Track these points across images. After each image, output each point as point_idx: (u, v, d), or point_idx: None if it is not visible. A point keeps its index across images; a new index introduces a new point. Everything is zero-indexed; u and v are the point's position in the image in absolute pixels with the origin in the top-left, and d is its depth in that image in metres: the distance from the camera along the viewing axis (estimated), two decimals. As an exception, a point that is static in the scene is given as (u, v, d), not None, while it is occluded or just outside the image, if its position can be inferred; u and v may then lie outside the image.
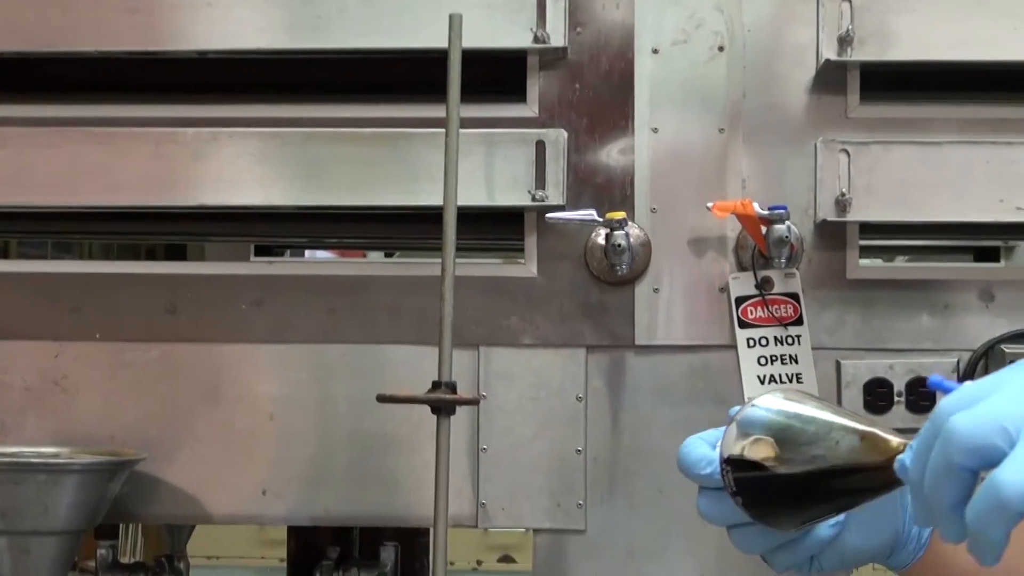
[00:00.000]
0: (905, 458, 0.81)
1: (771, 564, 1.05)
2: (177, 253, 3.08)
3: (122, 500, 1.97)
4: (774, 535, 1.01)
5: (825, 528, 1.01)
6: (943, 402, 0.76)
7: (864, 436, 0.91)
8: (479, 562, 3.43)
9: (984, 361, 1.93)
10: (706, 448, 1.05)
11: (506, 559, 3.47)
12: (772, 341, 1.94)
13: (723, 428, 1.02)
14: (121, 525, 2.43)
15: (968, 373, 1.93)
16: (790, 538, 1.01)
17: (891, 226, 2.00)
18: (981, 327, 1.96)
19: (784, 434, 0.96)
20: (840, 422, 0.94)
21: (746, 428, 0.97)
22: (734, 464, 0.98)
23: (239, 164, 1.97)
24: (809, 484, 0.95)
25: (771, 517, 0.98)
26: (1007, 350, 1.91)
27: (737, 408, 1.00)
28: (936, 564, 1.12)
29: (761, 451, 0.96)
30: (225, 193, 1.98)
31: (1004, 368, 0.78)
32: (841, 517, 1.02)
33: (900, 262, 3.14)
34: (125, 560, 2.32)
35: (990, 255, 3.30)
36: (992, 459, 0.71)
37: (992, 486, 0.69)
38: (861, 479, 0.93)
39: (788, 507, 0.97)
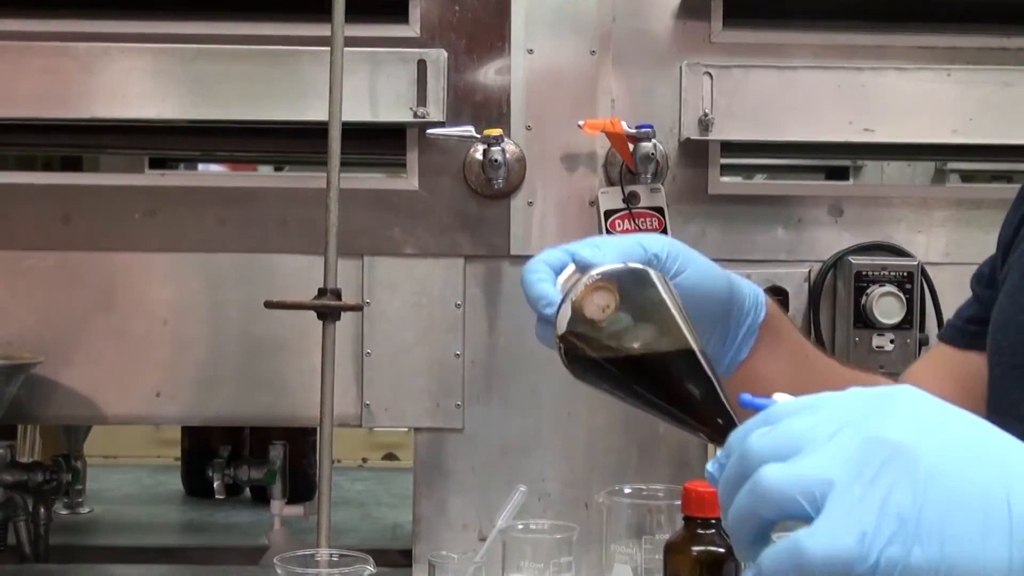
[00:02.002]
0: (713, 471, 0.80)
1: None
2: (73, 165, 3.02)
3: (19, 402, 1.94)
4: None
5: None
6: (756, 443, 0.75)
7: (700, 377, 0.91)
8: (364, 459, 3.43)
9: (832, 271, 1.97)
10: (548, 285, 1.01)
11: (389, 456, 3.48)
12: (638, 252, 1.95)
13: (567, 253, 1.01)
14: (19, 426, 2.40)
15: (817, 283, 1.97)
16: None
17: (750, 145, 2.02)
18: (831, 240, 2.00)
19: (627, 293, 0.94)
20: (685, 334, 0.92)
21: (595, 278, 0.94)
22: (565, 340, 0.94)
23: (131, 78, 1.93)
24: (631, 383, 0.94)
25: (597, 388, 0.97)
26: (853, 261, 1.94)
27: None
28: (747, 380, 1.16)
29: (600, 299, 0.94)
30: (118, 106, 1.94)
31: (821, 398, 0.77)
32: None
33: (758, 179, 3.18)
34: (23, 459, 2.29)
35: (840, 174, 3.36)
36: (796, 516, 0.73)
37: (795, 547, 0.70)
38: (676, 407, 0.93)
39: (611, 390, 0.96)
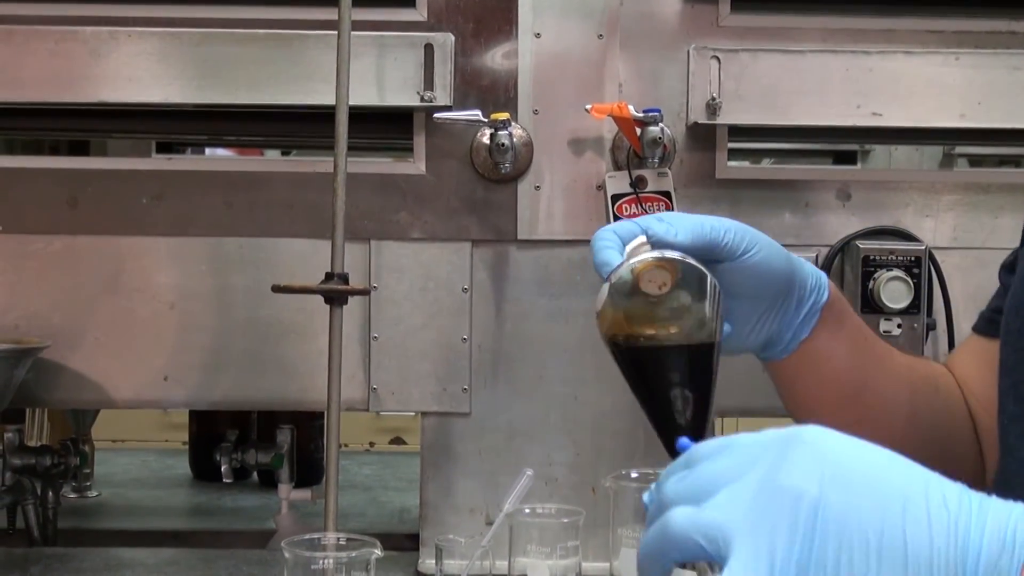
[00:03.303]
0: (646, 502, 0.84)
1: None
2: (80, 149, 3.02)
3: (27, 386, 1.94)
4: None
5: None
6: (671, 487, 0.80)
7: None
8: (371, 444, 3.44)
9: (840, 255, 1.97)
10: (615, 253, 1.07)
11: (396, 441, 3.49)
12: (645, 236, 1.94)
13: (638, 226, 1.05)
14: (27, 410, 2.40)
15: (825, 267, 1.97)
16: None
17: (757, 129, 2.02)
18: (838, 224, 1.99)
19: (684, 283, 0.99)
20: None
21: (663, 257, 0.99)
22: (613, 296, 1.00)
23: (138, 62, 1.92)
24: (645, 361, 1.02)
25: (608, 346, 1.07)
26: (861, 245, 1.94)
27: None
28: (807, 360, 1.20)
29: (659, 276, 0.97)
30: (125, 90, 1.93)
31: (737, 441, 0.79)
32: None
33: (766, 163, 3.18)
34: (31, 443, 2.29)
35: (848, 158, 3.35)
36: (700, 558, 0.78)
37: None
38: (665, 401, 1.01)
39: (622, 355, 1.05)
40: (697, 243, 1.08)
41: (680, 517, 0.77)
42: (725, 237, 1.10)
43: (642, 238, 1.06)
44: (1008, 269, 1.32)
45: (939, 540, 0.72)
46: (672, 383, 0.97)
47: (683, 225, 1.08)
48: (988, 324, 1.31)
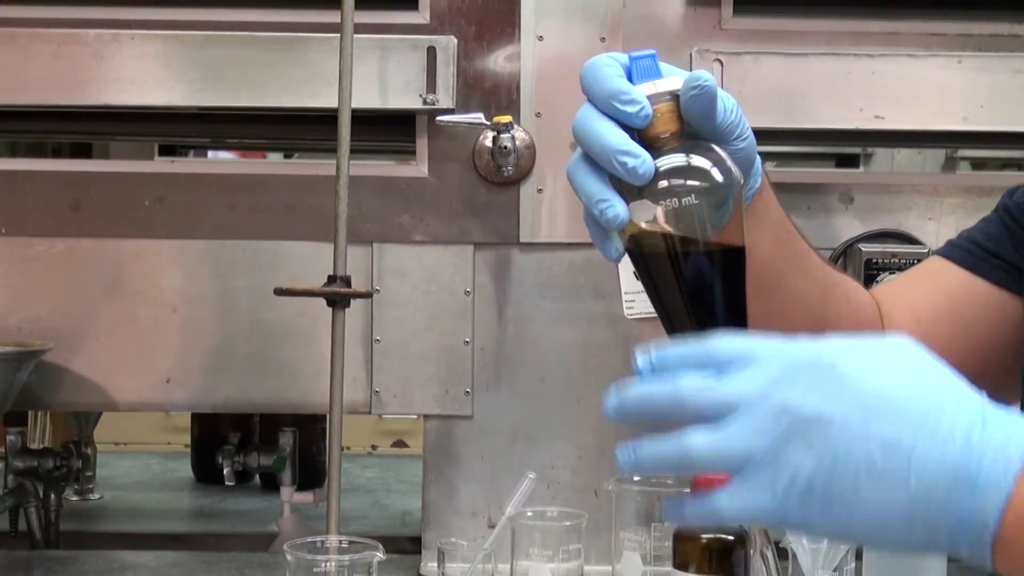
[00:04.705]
0: (643, 367, 0.83)
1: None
2: (83, 152, 3.02)
3: (30, 389, 1.94)
4: None
5: None
6: (692, 399, 0.80)
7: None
8: (373, 446, 3.44)
9: (843, 259, 1.97)
10: (623, 81, 0.93)
11: (399, 443, 3.48)
12: (648, 239, 1.94)
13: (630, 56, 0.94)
14: (29, 413, 2.40)
15: (828, 270, 1.96)
16: None
17: (760, 132, 1.99)
18: (841, 227, 1.99)
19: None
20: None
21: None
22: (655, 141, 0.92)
23: (141, 65, 1.93)
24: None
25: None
26: (863, 248, 1.94)
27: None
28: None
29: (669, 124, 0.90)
30: (128, 93, 1.94)
31: (767, 351, 0.80)
32: None
33: (768, 167, 3.17)
34: (34, 446, 2.29)
35: (850, 161, 3.35)
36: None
37: (712, 506, 0.80)
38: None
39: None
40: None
41: (703, 445, 0.79)
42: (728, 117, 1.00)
43: (653, 84, 0.94)
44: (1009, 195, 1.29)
45: (949, 457, 0.75)
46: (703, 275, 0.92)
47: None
48: (966, 254, 1.28)
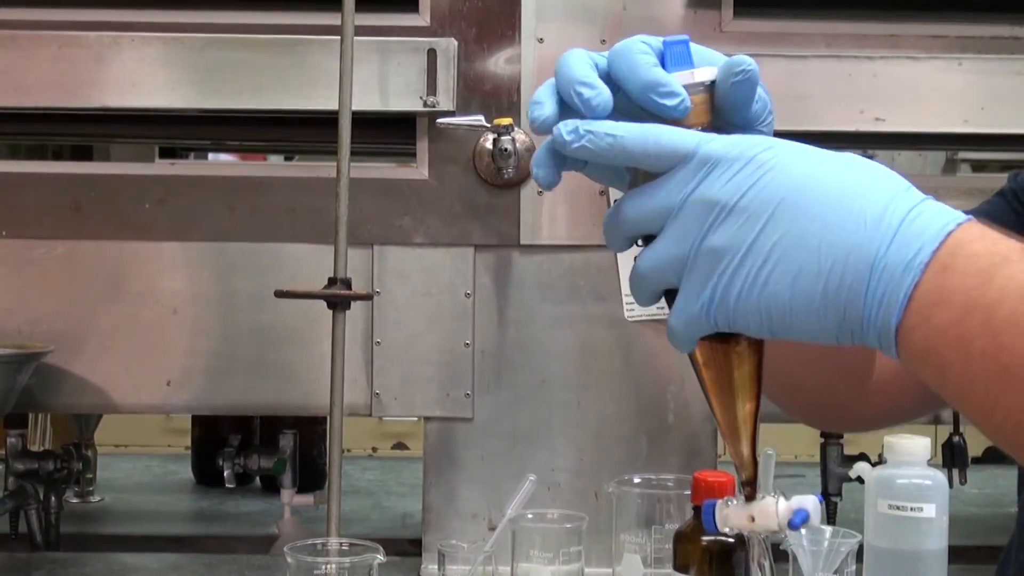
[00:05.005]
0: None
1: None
2: (83, 154, 3.02)
3: (30, 391, 1.94)
4: None
5: None
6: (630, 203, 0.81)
7: None
8: (374, 449, 3.44)
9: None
10: (660, 70, 0.84)
11: (399, 446, 3.49)
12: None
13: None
14: (30, 415, 2.40)
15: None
16: None
17: (760, 135, 2.01)
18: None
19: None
20: None
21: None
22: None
23: (141, 67, 1.93)
24: None
25: None
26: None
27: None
28: None
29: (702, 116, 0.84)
30: (128, 95, 1.94)
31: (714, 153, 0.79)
32: None
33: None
34: (34, 448, 2.29)
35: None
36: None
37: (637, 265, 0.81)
38: None
39: None
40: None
41: (645, 261, 0.80)
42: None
43: (691, 72, 0.85)
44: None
45: (859, 242, 0.75)
46: None
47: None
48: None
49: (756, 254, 0.76)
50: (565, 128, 0.80)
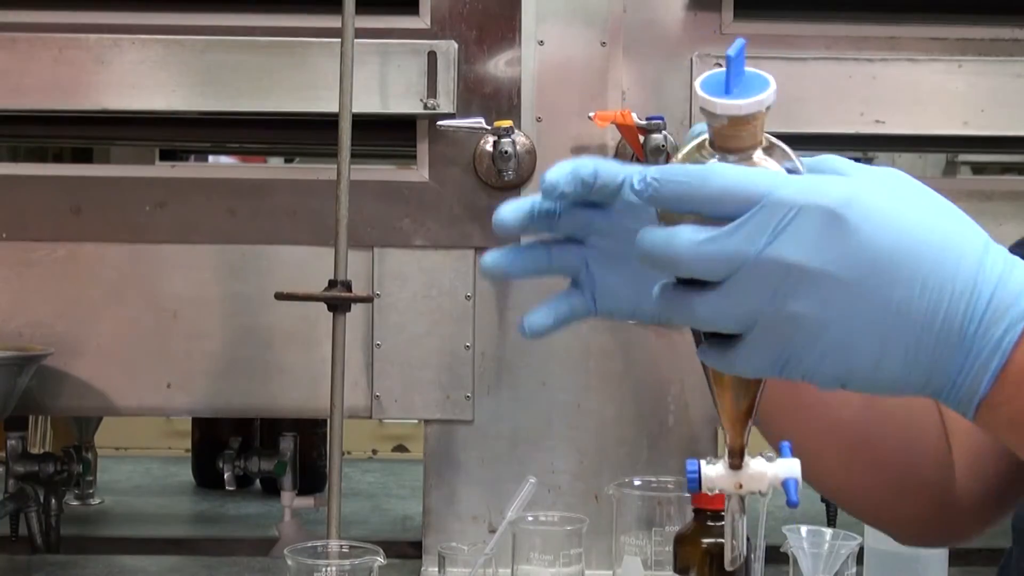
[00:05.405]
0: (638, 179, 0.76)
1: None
2: (83, 157, 3.02)
3: (30, 393, 1.94)
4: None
5: None
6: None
7: None
8: (374, 451, 3.44)
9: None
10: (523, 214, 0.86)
11: (400, 448, 3.49)
12: (649, 244, 1.94)
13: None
14: (30, 417, 2.40)
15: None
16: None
17: (760, 137, 2.01)
18: (841, 232, 1.99)
19: None
20: None
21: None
22: None
23: (141, 70, 1.93)
24: None
25: None
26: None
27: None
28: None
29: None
30: (128, 98, 1.94)
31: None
32: None
33: (769, 171, 3.17)
34: (34, 451, 2.29)
35: (852, 165, 3.35)
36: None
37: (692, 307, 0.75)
38: None
39: None
40: None
41: (705, 310, 0.75)
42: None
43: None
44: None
45: (950, 315, 0.74)
46: None
47: None
48: None
49: (840, 324, 0.74)
50: (636, 178, 0.75)
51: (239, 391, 2.01)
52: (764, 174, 0.74)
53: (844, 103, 1.93)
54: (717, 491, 0.85)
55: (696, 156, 0.78)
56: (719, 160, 0.77)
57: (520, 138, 1.95)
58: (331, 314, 1.77)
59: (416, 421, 2.19)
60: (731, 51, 0.77)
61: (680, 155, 0.79)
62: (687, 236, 0.73)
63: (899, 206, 0.75)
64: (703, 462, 0.85)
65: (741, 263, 0.73)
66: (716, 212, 0.73)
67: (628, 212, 0.84)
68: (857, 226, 0.73)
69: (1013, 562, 1.19)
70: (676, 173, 0.74)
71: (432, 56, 1.92)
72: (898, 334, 0.74)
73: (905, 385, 0.76)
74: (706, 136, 0.78)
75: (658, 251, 0.74)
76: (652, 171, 0.74)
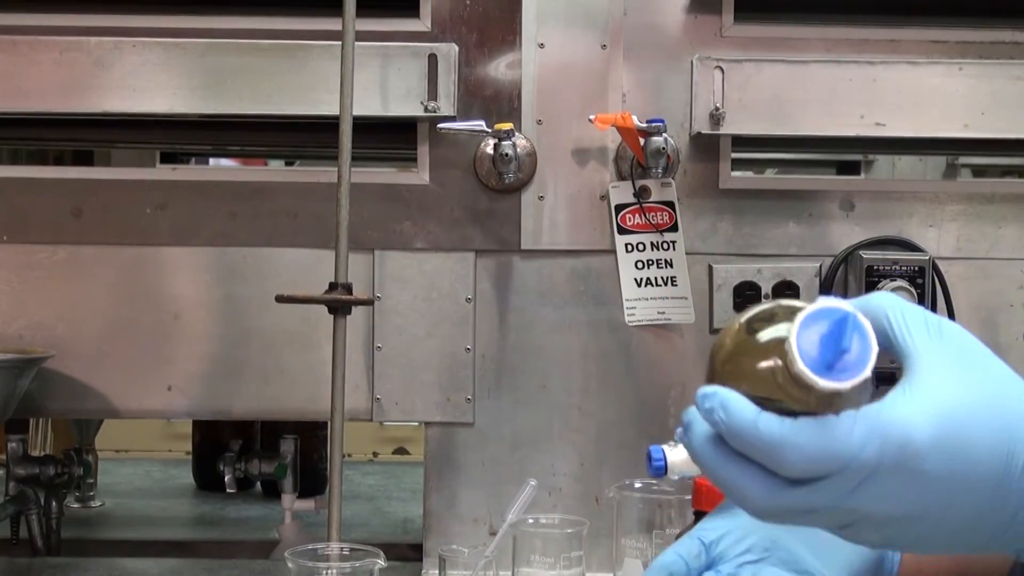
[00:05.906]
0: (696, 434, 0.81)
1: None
2: (84, 159, 3.02)
3: (31, 396, 1.94)
4: None
5: None
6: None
7: None
8: (375, 454, 3.44)
9: (844, 266, 1.97)
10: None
11: (400, 451, 3.49)
12: (649, 246, 1.95)
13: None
14: (31, 420, 2.41)
15: (828, 277, 1.96)
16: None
17: (761, 139, 2.02)
18: (842, 234, 1.99)
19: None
20: None
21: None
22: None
23: (142, 72, 1.93)
24: None
25: None
26: (864, 255, 1.94)
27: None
28: None
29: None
30: (129, 100, 1.94)
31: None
32: None
33: (769, 174, 3.18)
34: (35, 453, 2.29)
35: (851, 168, 3.35)
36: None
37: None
38: None
39: None
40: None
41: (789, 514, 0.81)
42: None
43: None
44: None
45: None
46: None
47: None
48: None
49: (910, 543, 0.82)
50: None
51: (240, 394, 2.01)
52: (849, 441, 0.76)
53: (845, 105, 1.93)
54: (678, 476, 0.86)
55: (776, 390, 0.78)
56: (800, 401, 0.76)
57: (521, 141, 1.95)
58: (332, 317, 1.77)
59: (417, 423, 2.18)
60: (832, 321, 0.75)
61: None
62: (761, 489, 0.80)
63: (965, 443, 0.79)
64: (666, 448, 0.86)
65: (819, 511, 0.80)
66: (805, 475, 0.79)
67: None
68: (925, 472, 0.78)
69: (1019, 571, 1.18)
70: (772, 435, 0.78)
71: (433, 59, 1.92)
72: (956, 546, 0.83)
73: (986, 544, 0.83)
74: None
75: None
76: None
